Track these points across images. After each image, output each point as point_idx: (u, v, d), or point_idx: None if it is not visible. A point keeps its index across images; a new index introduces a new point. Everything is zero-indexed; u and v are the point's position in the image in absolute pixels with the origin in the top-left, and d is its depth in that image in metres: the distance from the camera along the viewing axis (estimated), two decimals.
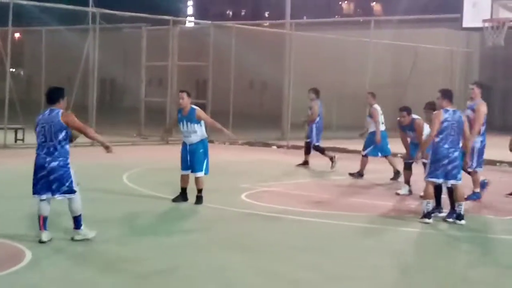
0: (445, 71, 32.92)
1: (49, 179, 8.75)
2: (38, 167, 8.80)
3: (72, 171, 8.85)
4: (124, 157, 16.95)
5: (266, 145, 23.69)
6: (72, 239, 8.89)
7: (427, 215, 10.64)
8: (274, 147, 23.33)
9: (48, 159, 8.75)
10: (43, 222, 8.78)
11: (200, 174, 11.78)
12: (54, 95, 9.00)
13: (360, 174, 15.71)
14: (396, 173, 15.26)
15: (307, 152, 17.39)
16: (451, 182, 10.63)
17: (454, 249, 9.60)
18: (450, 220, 10.73)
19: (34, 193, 8.82)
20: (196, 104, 12.49)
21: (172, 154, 20.20)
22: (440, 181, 10.64)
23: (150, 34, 26.58)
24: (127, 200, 12.20)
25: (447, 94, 10.78)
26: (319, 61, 34.39)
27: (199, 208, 11.61)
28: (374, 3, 60.96)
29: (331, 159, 16.98)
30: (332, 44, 32.41)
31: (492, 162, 17.82)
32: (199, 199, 11.82)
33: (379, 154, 15.87)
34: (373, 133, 15.76)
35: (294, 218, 11.04)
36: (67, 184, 8.78)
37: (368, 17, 31.19)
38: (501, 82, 37.95)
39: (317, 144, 17.22)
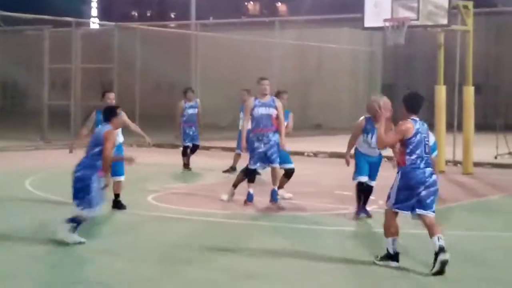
0: (350, 70, 33.47)
1: None
2: None
3: None
4: (26, 162, 16.53)
5: (174, 146, 23.50)
6: None
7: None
8: (181, 148, 23.13)
9: None
10: None
11: (123, 178, 11.54)
12: None
13: (232, 169, 15.85)
14: (233, 168, 15.74)
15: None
16: None
17: (366, 247, 9.72)
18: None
19: None
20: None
21: (77, 159, 19.89)
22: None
23: (52, 36, 25.99)
24: (29, 207, 11.88)
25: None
26: (226, 62, 34.39)
27: (105, 212, 11.39)
28: (279, 3, 61.46)
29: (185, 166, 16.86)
30: (239, 45, 32.49)
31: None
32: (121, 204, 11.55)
33: None
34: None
35: (203, 219, 10.99)
36: None
37: (273, 18, 31.40)
38: (404, 80, 38.86)
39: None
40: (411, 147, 8.03)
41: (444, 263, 7.77)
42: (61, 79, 32.39)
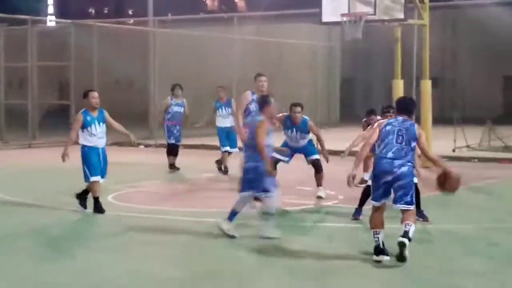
0: (309, 65, 33.57)
1: None
2: None
3: None
4: None
5: (133, 144, 23.34)
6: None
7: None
8: (142, 146, 23.07)
9: None
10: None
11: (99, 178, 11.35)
12: None
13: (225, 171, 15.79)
14: (220, 169, 15.76)
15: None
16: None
17: (329, 241, 9.75)
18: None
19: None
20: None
21: (36, 158, 19.75)
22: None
23: (8, 35, 25.64)
24: None
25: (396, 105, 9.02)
26: (185, 58, 34.25)
27: (63, 212, 11.31)
28: None
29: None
30: (198, 41, 32.39)
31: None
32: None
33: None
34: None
35: (162, 217, 10.93)
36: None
37: (232, 14, 31.36)
38: (362, 74, 39.15)
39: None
40: (381, 137, 8.34)
41: (400, 245, 7.92)
42: (17, 78, 31.96)
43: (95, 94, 11.52)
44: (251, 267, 8.21)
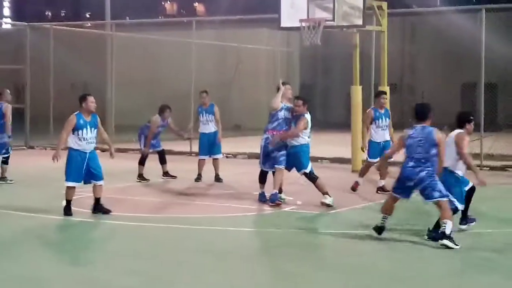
0: (268, 70, 33.52)
1: None
2: None
3: None
4: None
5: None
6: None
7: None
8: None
9: None
10: None
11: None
12: None
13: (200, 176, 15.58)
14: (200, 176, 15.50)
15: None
16: None
17: (280, 247, 9.67)
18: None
19: None
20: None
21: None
22: None
23: None
24: None
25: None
26: (143, 62, 34.03)
27: (14, 217, 11.06)
28: (197, 4, 61.20)
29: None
30: (156, 45, 32.16)
31: (314, 159, 18.24)
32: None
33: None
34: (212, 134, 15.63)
35: (117, 223, 10.77)
36: None
37: (191, 18, 31.18)
38: (321, 80, 39.21)
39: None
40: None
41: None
42: None
43: (92, 98, 11.44)
44: (195, 273, 8.08)
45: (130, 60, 31.92)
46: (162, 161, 16.08)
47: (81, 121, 11.15)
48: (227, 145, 15.54)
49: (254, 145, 19.53)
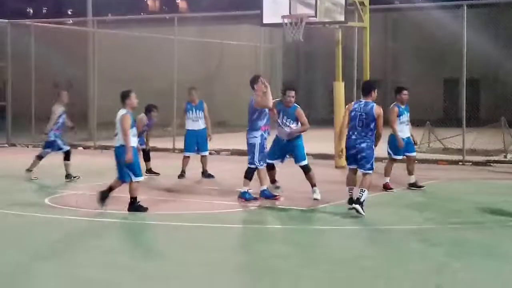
0: (250, 67, 33.48)
1: None
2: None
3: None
4: None
5: (71, 146, 22.90)
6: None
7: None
8: (81, 148, 22.69)
9: None
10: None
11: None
12: None
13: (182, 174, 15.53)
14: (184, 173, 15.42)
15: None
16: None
17: (260, 242, 9.67)
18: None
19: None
20: None
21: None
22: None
23: None
24: None
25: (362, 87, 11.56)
26: (126, 59, 33.89)
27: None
28: (179, 0, 61.06)
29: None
30: (139, 42, 32.06)
31: None
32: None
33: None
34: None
35: (101, 220, 10.73)
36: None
37: (173, 14, 31.09)
38: (304, 76, 39.28)
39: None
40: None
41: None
42: None
43: (135, 94, 11.32)
44: (183, 269, 8.07)
45: (112, 57, 31.79)
46: (146, 158, 16.05)
47: (132, 118, 11.17)
48: (211, 141, 15.58)
49: (237, 141, 19.58)
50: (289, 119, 12.44)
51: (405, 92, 13.97)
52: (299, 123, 12.44)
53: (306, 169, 12.49)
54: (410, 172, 13.95)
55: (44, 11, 60.13)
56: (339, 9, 15.96)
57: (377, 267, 8.19)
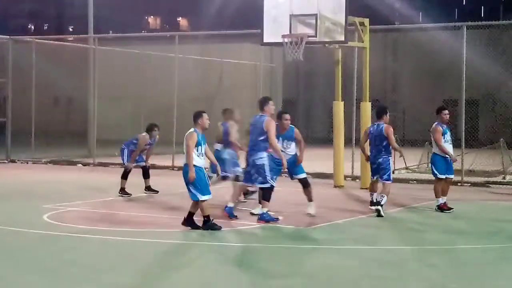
0: (250, 85, 33.57)
1: None
2: None
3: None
4: None
5: (71, 163, 23.02)
6: None
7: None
8: (80, 165, 22.70)
9: None
10: None
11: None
12: None
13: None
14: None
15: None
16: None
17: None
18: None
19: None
20: None
21: None
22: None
23: None
24: None
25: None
26: (127, 76, 33.96)
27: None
28: (180, 18, 61.27)
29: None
30: (139, 59, 32.13)
31: None
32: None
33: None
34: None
35: (99, 238, 10.69)
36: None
37: (174, 32, 31.21)
38: (304, 95, 39.33)
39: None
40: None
41: None
42: None
43: (207, 115, 11.39)
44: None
45: (113, 74, 31.86)
46: (146, 175, 16.04)
47: (200, 137, 11.15)
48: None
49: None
50: (289, 142, 12.59)
51: (445, 112, 13.70)
52: (294, 143, 12.66)
53: (304, 183, 12.60)
54: (444, 193, 13.70)
55: (45, 27, 60.34)
56: (339, 29, 16.00)
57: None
